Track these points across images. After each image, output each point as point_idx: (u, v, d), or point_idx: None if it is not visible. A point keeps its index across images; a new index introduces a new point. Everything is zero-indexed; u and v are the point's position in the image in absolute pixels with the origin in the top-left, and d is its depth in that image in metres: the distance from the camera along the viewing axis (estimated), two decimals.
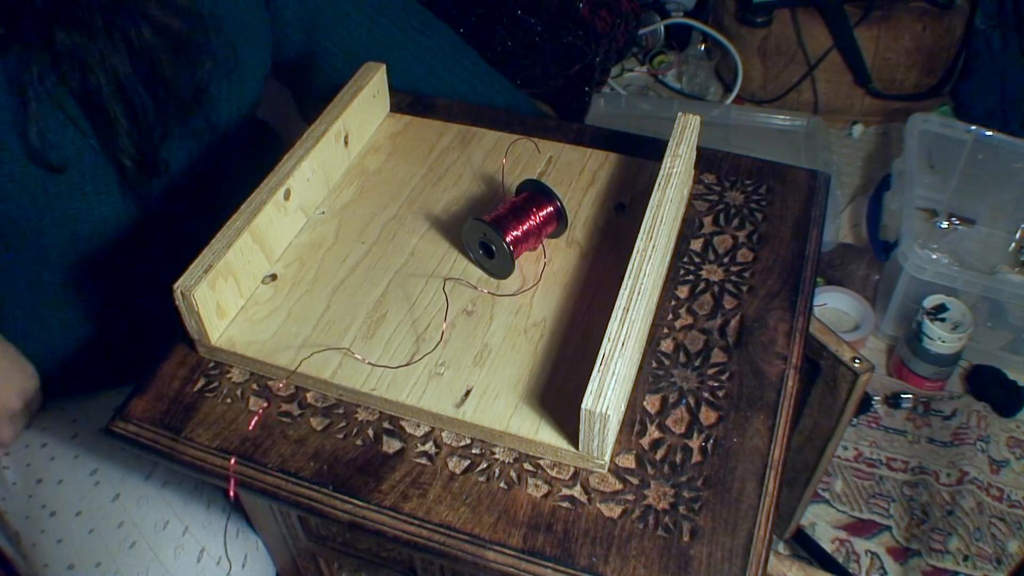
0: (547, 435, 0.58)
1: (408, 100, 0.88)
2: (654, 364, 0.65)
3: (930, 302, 1.31)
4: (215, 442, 0.61)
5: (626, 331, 0.57)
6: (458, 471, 0.59)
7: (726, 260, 0.72)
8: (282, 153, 0.72)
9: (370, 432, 0.61)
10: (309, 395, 0.64)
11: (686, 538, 0.55)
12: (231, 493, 0.57)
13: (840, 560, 1.17)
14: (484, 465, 0.59)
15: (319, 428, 0.61)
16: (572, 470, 0.59)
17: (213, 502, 0.80)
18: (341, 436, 0.61)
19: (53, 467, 0.79)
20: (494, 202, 0.74)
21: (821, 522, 1.21)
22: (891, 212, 1.51)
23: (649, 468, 0.59)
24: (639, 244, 0.62)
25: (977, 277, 1.33)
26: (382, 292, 0.69)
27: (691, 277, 0.71)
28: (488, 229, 0.67)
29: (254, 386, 0.64)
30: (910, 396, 1.35)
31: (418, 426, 0.61)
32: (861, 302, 1.45)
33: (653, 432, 0.60)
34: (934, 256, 1.44)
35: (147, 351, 0.66)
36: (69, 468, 0.79)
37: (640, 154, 0.81)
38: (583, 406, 0.53)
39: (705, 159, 0.81)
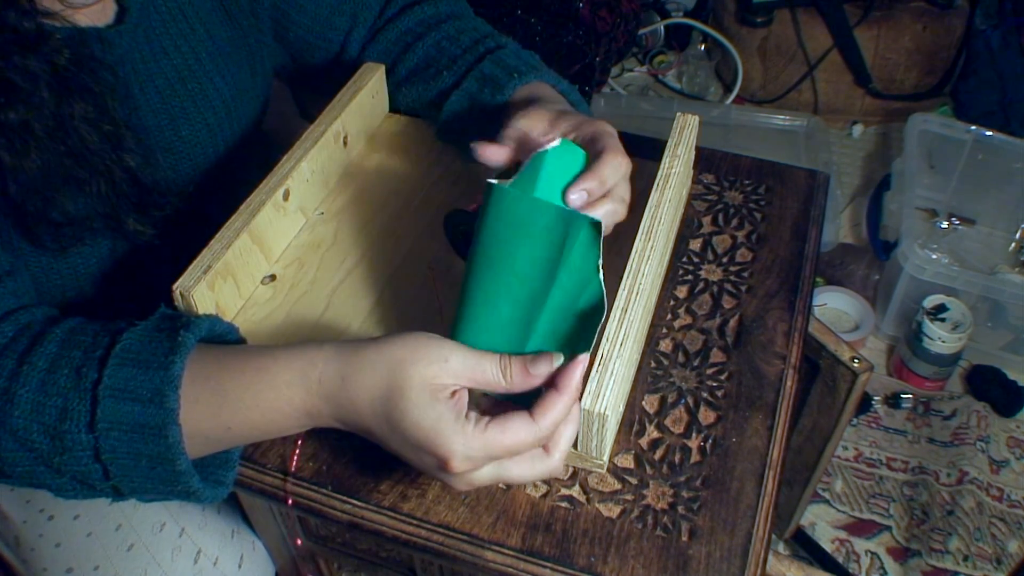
0: None
1: None
2: (653, 364, 0.65)
3: (930, 302, 1.31)
4: None
5: (624, 331, 0.57)
6: None
7: (725, 260, 0.72)
8: (280, 155, 0.71)
9: None
10: None
11: (685, 538, 0.55)
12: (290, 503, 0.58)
13: (840, 560, 1.17)
14: None
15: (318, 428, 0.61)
16: (571, 470, 0.59)
17: (208, 504, 0.80)
18: (339, 436, 0.61)
19: None
20: None
21: (821, 522, 1.21)
22: (891, 212, 1.51)
23: (648, 468, 0.59)
24: (637, 244, 0.62)
25: (977, 277, 1.33)
26: (381, 292, 0.69)
27: (690, 277, 0.71)
28: (469, 219, 0.64)
29: None
30: (910, 396, 1.35)
31: None
32: (861, 302, 1.45)
33: (652, 432, 0.60)
34: (934, 256, 1.44)
35: None
36: None
37: (639, 154, 0.80)
38: (581, 406, 0.53)
39: (704, 159, 0.81)
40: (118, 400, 0.51)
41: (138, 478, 0.52)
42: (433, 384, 0.50)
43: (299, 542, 0.73)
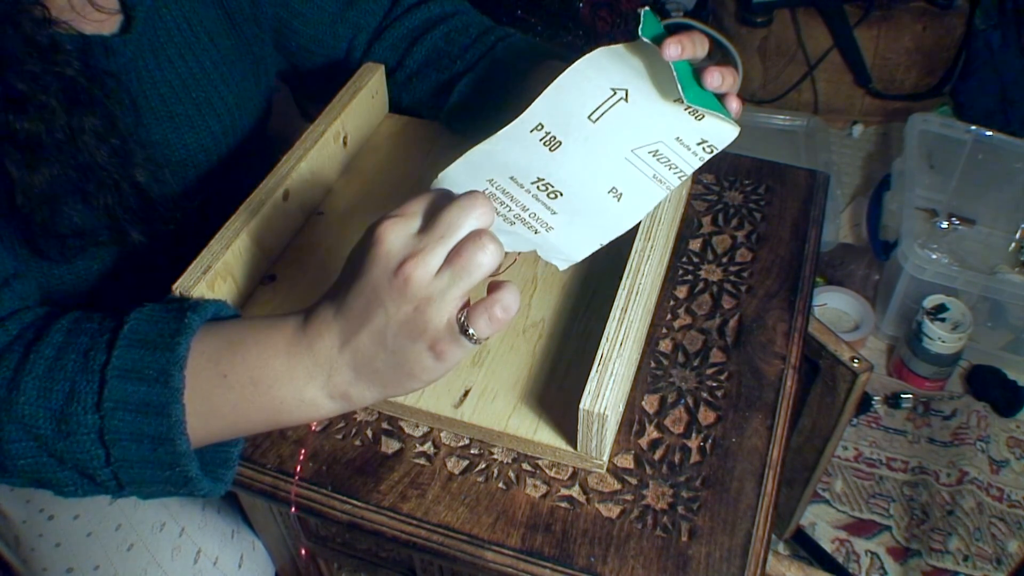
0: (545, 435, 0.58)
1: None
2: (653, 364, 0.65)
3: (930, 302, 1.31)
4: None
5: (624, 331, 0.57)
6: (456, 471, 0.59)
7: (725, 260, 0.72)
8: (280, 155, 0.71)
9: (369, 432, 0.61)
10: None
11: (684, 538, 0.55)
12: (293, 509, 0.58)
13: (840, 560, 1.17)
14: (482, 465, 0.59)
15: (318, 428, 0.62)
16: (571, 470, 0.59)
17: (208, 504, 0.80)
18: (340, 436, 0.61)
19: None
20: None
21: (821, 522, 1.21)
22: (891, 212, 1.51)
23: (648, 468, 0.59)
24: (637, 244, 0.62)
25: (977, 277, 1.33)
26: None
27: (690, 277, 0.71)
28: None
29: None
30: (910, 396, 1.35)
31: (417, 426, 0.61)
32: (861, 302, 1.45)
33: (652, 432, 0.60)
34: (934, 256, 1.44)
35: None
36: None
37: None
38: (581, 406, 0.53)
39: None
40: (125, 380, 0.51)
41: (138, 462, 0.52)
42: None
43: (304, 552, 0.73)
